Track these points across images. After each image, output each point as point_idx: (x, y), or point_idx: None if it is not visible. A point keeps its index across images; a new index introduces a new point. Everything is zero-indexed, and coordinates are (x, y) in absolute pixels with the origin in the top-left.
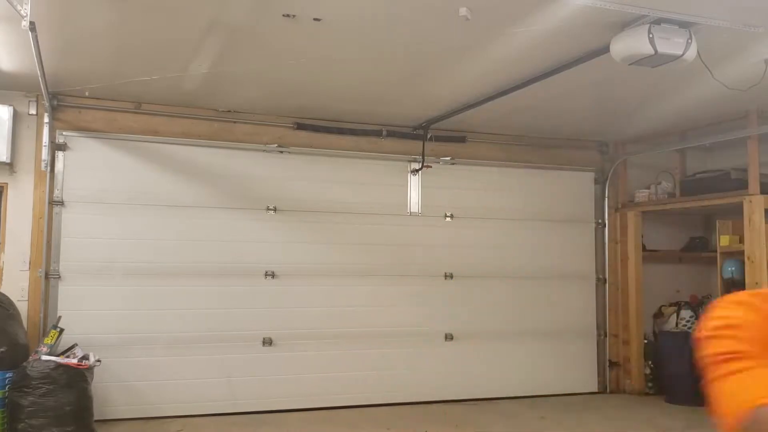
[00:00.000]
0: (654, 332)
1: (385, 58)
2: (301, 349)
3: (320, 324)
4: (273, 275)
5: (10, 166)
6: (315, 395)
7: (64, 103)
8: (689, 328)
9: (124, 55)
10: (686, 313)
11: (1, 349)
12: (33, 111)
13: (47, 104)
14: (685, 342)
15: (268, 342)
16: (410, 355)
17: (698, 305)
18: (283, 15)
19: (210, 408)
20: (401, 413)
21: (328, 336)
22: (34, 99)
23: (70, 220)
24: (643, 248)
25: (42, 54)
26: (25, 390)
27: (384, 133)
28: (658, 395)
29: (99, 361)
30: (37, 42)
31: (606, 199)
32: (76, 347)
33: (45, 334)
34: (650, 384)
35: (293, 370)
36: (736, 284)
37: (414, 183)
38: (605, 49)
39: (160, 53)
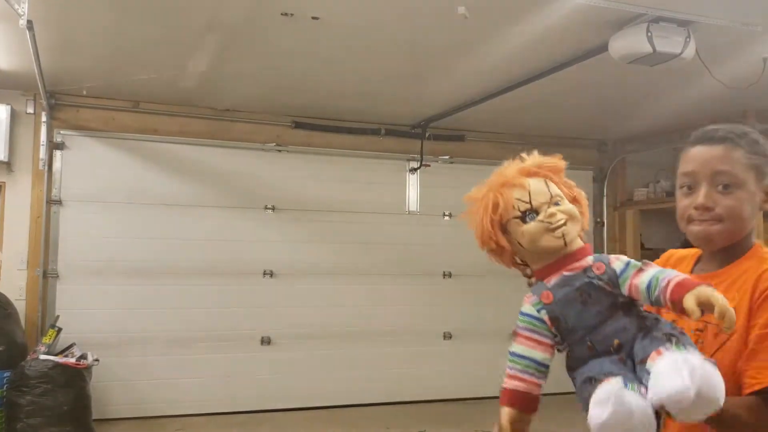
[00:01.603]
0: None
1: (383, 56)
2: (299, 348)
3: (319, 323)
4: (271, 274)
5: (7, 165)
6: (313, 394)
7: (62, 102)
8: None
9: (121, 53)
10: None
11: None
12: (31, 110)
13: (45, 103)
14: None
15: (266, 341)
16: (409, 354)
17: None
18: (282, 14)
19: (208, 407)
20: (400, 412)
21: (327, 335)
22: (32, 98)
23: (67, 219)
24: (642, 247)
25: (39, 53)
26: (23, 389)
27: (382, 131)
28: None
29: (97, 360)
30: (35, 41)
31: (605, 197)
32: (74, 346)
33: (43, 333)
34: None
35: (292, 370)
36: None
37: (412, 182)
38: (604, 48)
39: (158, 52)
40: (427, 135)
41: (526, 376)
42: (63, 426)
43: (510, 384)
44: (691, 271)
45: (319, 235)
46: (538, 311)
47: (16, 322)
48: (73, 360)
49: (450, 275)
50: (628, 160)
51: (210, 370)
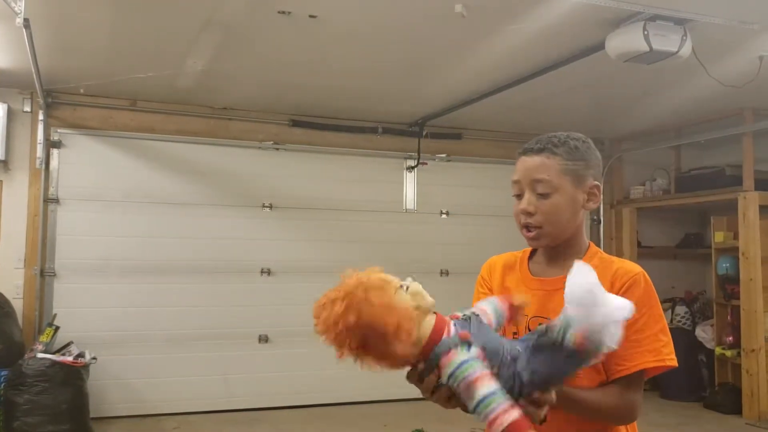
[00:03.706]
0: None
1: (380, 54)
2: (297, 346)
3: None
4: (269, 272)
5: (4, 164)
6: (311, 392)
7: (59, 100)
8: (684, 324)
9: (119, 52)
10: (681, 310)
11: None
12: (28, 108)
13: (42, 101)
14: (679, 338)
15: (264, 339)
16: None
17: (693, 301)
18: (279, 12)
19: (206, 405)
20: (398, 410)
21: None
22: (29, 96)
23: (65, 218)
24: (639, 245)
25: (36, 51)
26: (21, 388)
27: (380, 130)
28: (653, 391)
29: (95, 358)
30: (32, 39)
31: (601, 195)
32: (72, 345)
33: (40, 332)
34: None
35: (289, 367)
36: (730, 280)
37: (410, 180)
38: (601, 46)
39: (156, 50)
40: (424, 133)
41: (513, 403)
42: (61, 424)
43: (515, 413)
44: (531, 273)
45: (316, 233)
46: (469, 350)
47: (14, 321)
48: (70, 358)
49: (447, 273)
50: (625, 159)
51: (208, 368)
